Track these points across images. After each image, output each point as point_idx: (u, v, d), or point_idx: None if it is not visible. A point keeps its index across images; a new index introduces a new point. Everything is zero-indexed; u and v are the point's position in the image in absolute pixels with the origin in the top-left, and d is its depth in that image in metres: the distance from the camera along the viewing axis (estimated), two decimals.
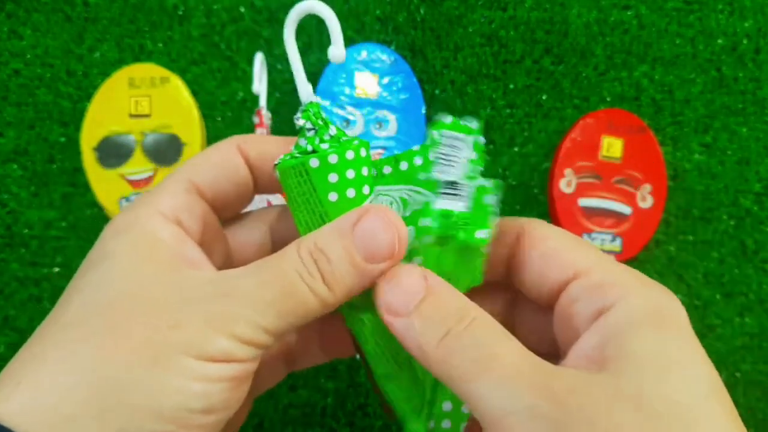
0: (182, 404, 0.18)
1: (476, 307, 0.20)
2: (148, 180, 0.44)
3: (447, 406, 0.22)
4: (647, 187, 0.45)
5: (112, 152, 0.45)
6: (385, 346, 0.22)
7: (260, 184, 0.25)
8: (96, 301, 0.19)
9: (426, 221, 0.21)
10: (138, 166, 0.44)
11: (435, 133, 0.22)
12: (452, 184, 0.22)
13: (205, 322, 0.19)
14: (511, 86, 0.48)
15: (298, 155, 0.22)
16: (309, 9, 0.24)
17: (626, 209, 0.45)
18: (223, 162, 0.23)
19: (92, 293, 0.20)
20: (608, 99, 0.47)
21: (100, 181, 0.44)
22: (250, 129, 0.46)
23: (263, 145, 0.24)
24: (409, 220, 0.21)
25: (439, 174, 0.22)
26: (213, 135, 0.47)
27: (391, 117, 0.46)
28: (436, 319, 0.19)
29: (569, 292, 0.21)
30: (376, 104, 0.46)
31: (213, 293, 0.20)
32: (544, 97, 0.47)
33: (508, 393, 0.17)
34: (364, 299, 0.22)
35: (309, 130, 0.22)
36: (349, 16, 0.48)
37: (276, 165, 0.22)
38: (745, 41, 0.48)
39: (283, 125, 0.47)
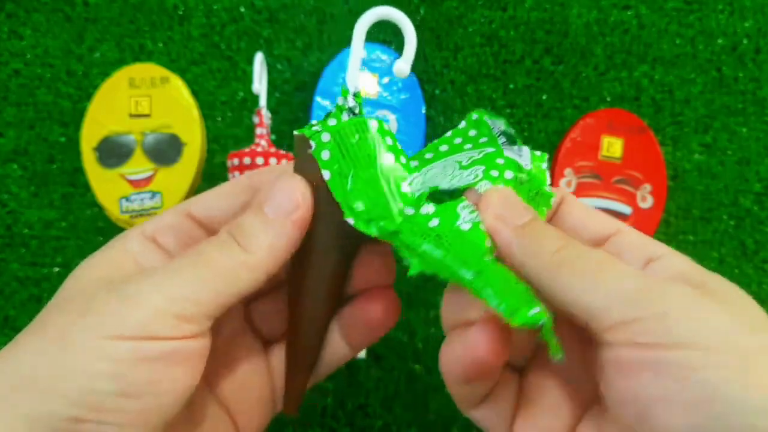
0: (88, 386, 0.18)
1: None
2: (148, 180, 0.44)
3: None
4: (647, 187, 0.45)
5: (112, 152, 0.45)
6: (461, 252, 0.21)
7: None
8: (50, 303, 0.20)
9: (502, 160, 0.22)
10: (138, 165, 0.44)
11: (474, 115, 0.25)
12: (513, 143, 0.24)
13: (118, 302, 0.19)
14: (511, 86, 0.48)
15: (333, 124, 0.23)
16: (387, 16, 0.24)
17: (626, 209, 0.45)
18: (225, 191, 0.24)
19: (54, 298, 0.21)
20: (608, 99, 0.47)
21: (100, 181, 0.44)
22: (250, 129, 0.46)
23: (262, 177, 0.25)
24: (480, 162, 0.23)
25: (500, 139, 0.24)
26: (213, 135, 0.47)
27: (391, 117, 0.46)
28: (549, 234, 0.21)
29: (613, 243, 0.22)
30: (376, 104, 0.46)
31: (133, 278, 0.20)
32: (544, 97, 0.47)
33: (626, 284, 0.19)
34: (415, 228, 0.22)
35: (350, 110, 0.23)
36: (349, 16, 0.48)
37: (321, 128, 0.22)
38: (745, 41, 0.48)
39: (283, 125, 0.47)
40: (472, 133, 0.25)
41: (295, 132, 0.23)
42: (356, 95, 0.24)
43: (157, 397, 0.18)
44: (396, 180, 0.22)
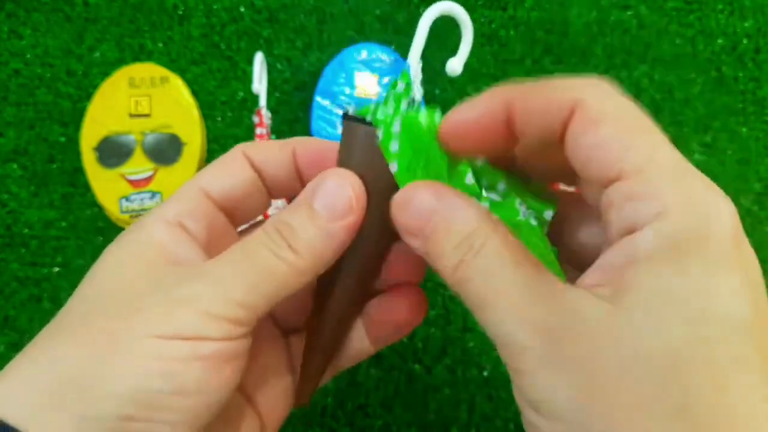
0: (141, 385, 0.17)
1: (490, 222, 0.18)
2: (148, 180, 0.44)
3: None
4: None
5: (112, 152, 0.45)
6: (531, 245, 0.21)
7: (271, 188, 0.25)
8: (77, 300, 0.20)
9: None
10: (138, 165, 0.44)
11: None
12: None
13: (168, 302, 0.19)
14: None
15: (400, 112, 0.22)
16: (449, 10, 0.23)
17: None
18: (231, 168, 0.24)
19: (78, 294, 0.20)
20: None
21: (100, 181, 0.44)
22: (250, 128, 0.46)
23: (266, 151, 0.24)
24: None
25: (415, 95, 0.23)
26: (213, 135, 0.47)
27: None
28: (448, 247, 0.19)
29: (608, 195, 0.17)
30: None
31: (182, 278, 0.20)
32: None
33: (509, 328, 0.17)
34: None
35: (411, 101, 0.23)
36: (349, 16, 0.48)
37: (387, 116, 0.22)
38: (745, 41, 0.48)
39: (283, 125, 0.47)
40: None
41: (349, 111, 0.22)
42: (408, 85, 0.23)
43: (208, 395, 0.19)
44: (459, 173, 0.21)
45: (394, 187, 0.21)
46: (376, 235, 0.22)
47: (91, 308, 0.19)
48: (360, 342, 0.26)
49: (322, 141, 0.24)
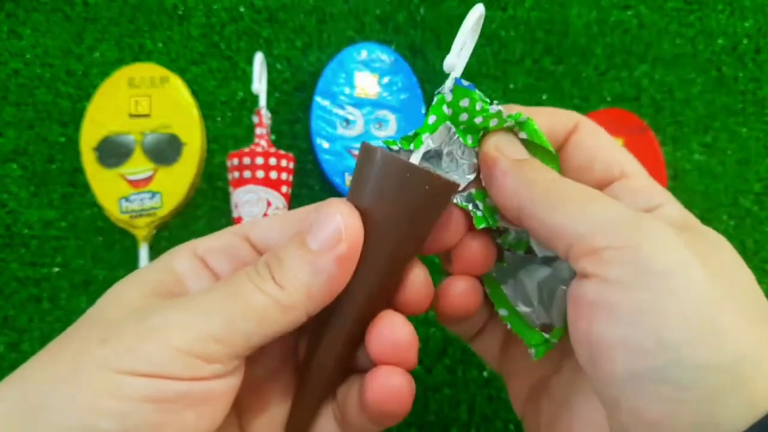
0: (88, 423, 0.16)
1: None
2: (147, 180, 0.44)
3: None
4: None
5: (112, 152, 0.44)
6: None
7: None
8: (79, 320, 0.19)
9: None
10: (138, 165, 0.44)
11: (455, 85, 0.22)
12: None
13: (137, 334, 0.17)
14: (511, 86, 0.48)
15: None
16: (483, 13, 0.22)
17: None
18: (280, 220, 0.22)
19: (86, 317, 0.20)
20: (608, 99, 0.47)
21: (100, 181, 0.44)
22: (250, 128, 0.46)
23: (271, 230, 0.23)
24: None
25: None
26: (213, 135, 0.47)
27: (391, 117, 0.46)
28: (544, 168, 0.21)
29: (613, 190, 0.22)
30: (376, 104, 0.46)
31: (161, 308, 0.18)
32: (544, 97, 0.47)
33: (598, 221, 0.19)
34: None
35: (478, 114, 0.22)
36: (349, 16, 0.48)
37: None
38: (745, 41, 0.48)
39: (283, 125, 0.47)
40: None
41: (381, 144, 0.21)
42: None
43: None
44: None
45: (414, 219, 0.20)
46: (384, 268, 0.20)
47: (71, 332, 0.19)
48: (355, 412, 0.23)
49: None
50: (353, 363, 0.24)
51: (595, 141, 0.23)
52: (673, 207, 0.21)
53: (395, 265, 0.21)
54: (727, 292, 0.17)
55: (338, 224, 0.19)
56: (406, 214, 0.20)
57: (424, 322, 0.45)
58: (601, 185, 0.22)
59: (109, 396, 0.16)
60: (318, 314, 0.20)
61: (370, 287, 0.20)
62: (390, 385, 0.21)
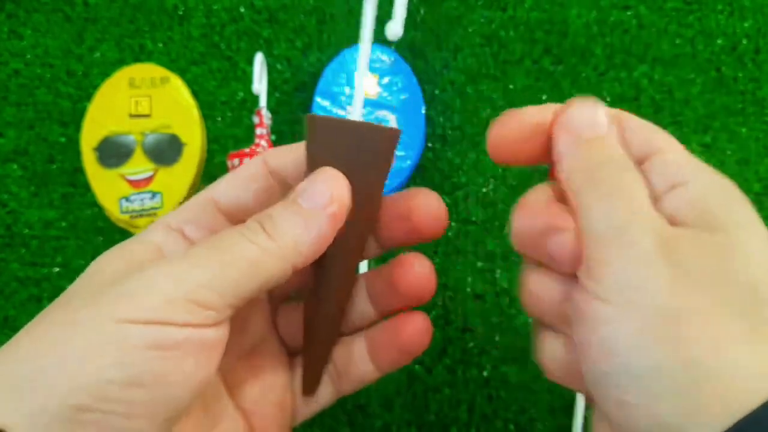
0: (95, 373, 0.16)
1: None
2: (148, 180, 0.44)
3: None
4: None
5: (112, 152, 0.45)
6: None
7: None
8: (58, 299, 0.20)
9: None
10: (138, 166, 0.44)
11: None
12: None
13: (131, 287, 0.18)
14: (511, 86, 0.48)
15: None
16: None
17: None
18: (245, 178, 0.23)
19: (75, 286, 0.20)
20: (608, 99, 0.48)
21: (100, 181, 0.44)
22: (250, 129, 0.46)
23: (282, 155, 0.24)
24: None
25: None
26: (213, 135, 0.47)
27: (391, 117, 0.46)
28: (607, 153, 0.20)
29: (647, 165, 0.21)
30: (376, 104, 0.46)
31: (149, 266, 0.19)
32: (544, 97, 0.48)
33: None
34: None
35: None
36: (349, 16, 0.48)
37: None
38: (744, 41, 0.48)
39: (283, 125, 0.47)
40: None
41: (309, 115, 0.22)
42: None
43: (166, 389, 0.17)
44: None
45: (373, 169, 0.22)
46: (363, 215, 0.22)
47: (60, 301, 0.19)
48: (364, 365, 0.25)
49: None
50: (355, 319, 0.25)
51: (630, 122, 0.22)
52: (697, 186, 0.21)
53: (370, 209, 0.23)
54: (697, 300, 0.17)
55: (329, 187, 0.20)
56: (360, 163, 0.22)
57: None
58: (641, 161, 0.22)
59: (111, 346, 0.17)
60: (315, 272, 0.23)
61: (356, 237, 0.23)
62: (421, 265, 0.24)
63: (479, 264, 0.46)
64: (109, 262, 0.20)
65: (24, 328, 0.19)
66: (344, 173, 0.21)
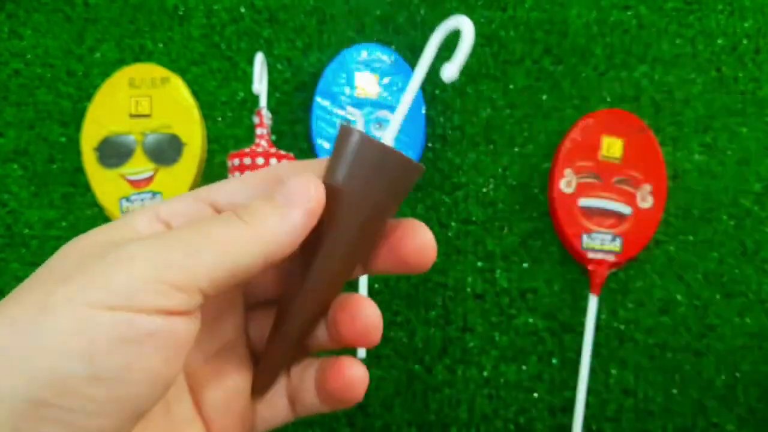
0: (58, 365, 0.16)
1: None
2: (148, 180, 0.44)
3: None
4: (647, 187, 0.45)
5: (113, 152, 0.45)
6: None
7: None
8: (31, 276, 0.19)
9: None
10: (138, 166, 0.44)
11: None
12: None
13: (104, 264, 0.17)
14: (511, 86, 0.48)
15: None
16: (456, 26, 0.24)
17: (626, 209, 0.45)
18: (247, 180, 0.23)
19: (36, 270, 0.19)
20: (608, 99, 0.48)
21: (101, 181, 0.44)
22: (250, 129, 0.46)
23: (295, 168, 0.23)
24: None
25: None
26: (213, 135, 0.47)
27: (392, 117, 0.46)
28: None
29: None
30: (376, 104, 0.46)
31: (125, 243, 0.18)
32: (544, 98, 0.48)
33: None
34: None
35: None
36: (349, 16, 0.48)
37: None
38: (745, 41, 0.48)
39: (283, 125, 0.47)
40: None
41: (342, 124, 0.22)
42: None
43: (130, 386, 0.17)
44: None
45: (386, 195, 0.21)
46: (353, 238, 0.22)
47: (35, 280, 0.18)
48: (311, 397, 0.24)
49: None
50: (311, 340, 0.25)
51: None
52: None
53: (365, 236, 0.22)
54: None
55: (306, 186, 0.21)
56: (379, 190, 0.22)
57: (425, 321, 0.45)
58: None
59: (78, 335, 0.16)
60: (289, 284, 0.23)
61: (340, 256, 0.22)
62: (350, 375, 0.23)
63: (479, 264, 0.46)
64: (87, 241, 0.19)
65: None
66: (360, 191, 0.21)
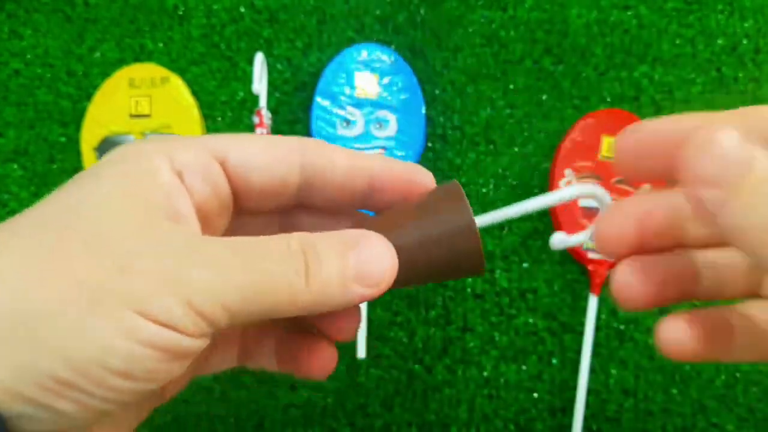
0: (99, 359, 0.16)
1: None
2: None
3: None
4: (647, 188, 0.45)
5: None
6: None
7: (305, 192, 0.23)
8: (58, 216, 0.18)
9: None
10: None
11: None
12: None
13: (159, 275, 0.17)
14: (511, 86, 0.48)
15: None
16: (591, 192, 0.24)
17: None
18: (276, 148, 0.22)
19: (59, 207, 0.18)
20: (608, 99, 0.48)
21: None
22: (250, 129, 0.46)
23: (323, 157, 0.22)
24: None
25: None
26: None
27: (391, 117, 0.46)
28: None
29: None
30: (376, 104, 0.46)
31: (181, 249, 0.18)
32: (544, 97, 0.48)
33: None
34: None
35: None
36: (349, 16, 0.48)
37: None
38: (745, 41, 0.48)
39: (283, 125, 0.47)
40: None
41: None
42: None
43: (148, 384, 0.18)
44: None
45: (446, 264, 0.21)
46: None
47: (72, 238, 0.17)
48: (269, 359, 0.26)
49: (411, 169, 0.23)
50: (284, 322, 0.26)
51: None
52: None
53: (410, 279, 0.22)
54: None
55: (381, 266, 0.20)
56: (439, 265, 0.21)
57: (425, 321, 0.45)
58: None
59: (123, 336, 0.16)
60: None
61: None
62: (330, 367, 0.24)
63: None
64: (125, 196, 0.18)
65: (26, 235, 0.17)
66: (425, 261, 0.21)
